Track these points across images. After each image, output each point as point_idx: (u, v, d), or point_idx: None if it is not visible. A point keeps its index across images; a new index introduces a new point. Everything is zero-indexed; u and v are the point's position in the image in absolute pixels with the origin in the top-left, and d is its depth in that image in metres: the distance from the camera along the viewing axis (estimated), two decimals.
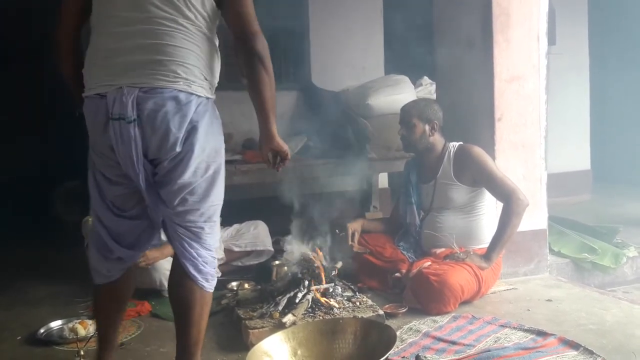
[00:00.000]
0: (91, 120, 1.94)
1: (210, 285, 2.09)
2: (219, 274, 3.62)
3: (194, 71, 1.92)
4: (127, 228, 2.06)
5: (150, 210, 2.04)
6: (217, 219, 2.09)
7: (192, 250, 2.03)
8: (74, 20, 2.01)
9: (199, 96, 1.94)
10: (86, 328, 2.76)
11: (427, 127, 3.32)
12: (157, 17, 1.87)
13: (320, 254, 3.20)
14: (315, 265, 3.05)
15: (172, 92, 1.87)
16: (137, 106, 1.85)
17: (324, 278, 2.99)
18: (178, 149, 1.90)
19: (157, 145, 1.90)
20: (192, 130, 1.92)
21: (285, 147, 2.14)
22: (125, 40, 1.88)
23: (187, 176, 1.94)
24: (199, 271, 2.03)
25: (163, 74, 1.87)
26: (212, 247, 2.09)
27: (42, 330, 2.85)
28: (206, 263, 2.06)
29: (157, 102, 1.86)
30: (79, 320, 2.84)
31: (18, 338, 2.82)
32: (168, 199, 1.97)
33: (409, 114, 3.37)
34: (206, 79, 1.98)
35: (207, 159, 1.98)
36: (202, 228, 2.03)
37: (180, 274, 2.04)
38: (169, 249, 3.44)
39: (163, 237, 3.57)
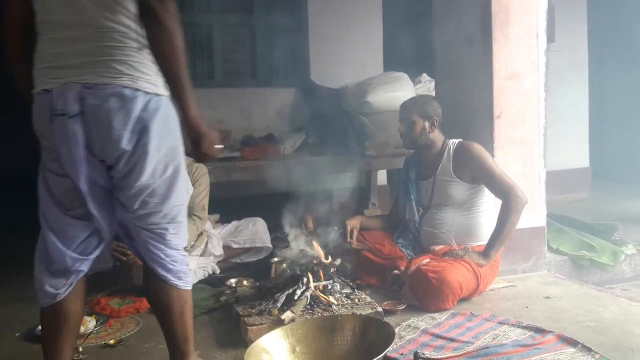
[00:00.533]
0: (37, 117, 1.90)
1: (184, 283, 2.04)
2: (218, 271, 3.67)
3: (138, 67, 1.85)
4: (74, 228, 1.96)
5: (96, 220, 1.94)
6: (182, 219, 2.03)
7: (158, 252, 1.98)
8: (22, 27, 1.94)
9: (147, 92, 1.86)
10: (85, 325, 2.75)
11: (426, 124, 3.32)
12: (94, 20, 1.81)
13: (319, 251, 3.20)
14: (314, 262, 3.05)
15: (116, 88, 1.81)
16: (82, 102, 1.81)
17: (322, 276, 2.99)
18: (126, 148, 1.83)
19: (101, 143, 1.84)
20: (143, 130, 1.85)
21: (204, 130, 1.89)
22: (66, 45, 1.84)
23: (144, 178, 1.88)
24: (169, 271, 1.99)
25: (106, 71, 1.82)
26: (179, 246, 2.04)
27: (40, 327, 2.84)
28: (175, 262, 2.01)
29: (101, 98, 1.81)
30: None
31: (16, 335, 2.82)
32: (128, 203, 1.93)
33: (408, 110, 3.36)
34: (156, 75, 1.88)
35: (165, 158, 1.91)
36: (166, 229, 1.98)
37: (152, 278, 2.01)
38: None
39: None
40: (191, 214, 3.57)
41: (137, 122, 1.84)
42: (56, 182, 1.93)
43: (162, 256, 1.98)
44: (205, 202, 3.67)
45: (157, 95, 1.88)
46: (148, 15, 1.80)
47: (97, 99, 1.81)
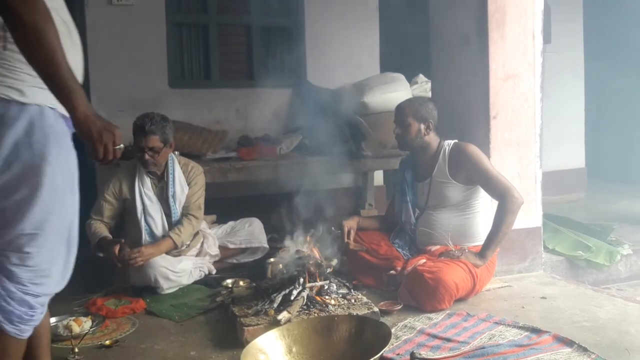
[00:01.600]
0: None
1: (14, 329, 1.70)
2: (214, 271, 3.67)
3: None
4: None
5: None
6: (32, 250, 1.68)
7: None
8: None
9: (6, 99, 1.61)
10: (80, 325, 2.75)
11: (422, 126, 3.32)
12: None
13: (316, 251, 3.20)
14: (311, 262, 3.05)
15: None
16: None
17: (317, 277, 2.99)
18: None
19: None
20: None
21: (96, 131, 1.61)
22: None
23: None
24: (1, 309, 1.67)
25: None
26: (26, 282, 1.69)
27: None
28: (12, 299, 1.68)
29: None
30: (73, 318, 2.83)
31: None
32: None
33: (403, 113, 3.36)
34: (24, 80, 1.64)
35: (18, 177, 1.63)
36: (7, 257, 1.67)
37: None
38: (165, 245, 3.43)
39: (158, 232, 3.54)
40: (187, 213, 3.58)
41: None
42: None
43: None
44: (201, 201, 3.67)
45: (21, 103, 1.62)
46: (4, 10, 1.53)
47: None
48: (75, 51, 1.81)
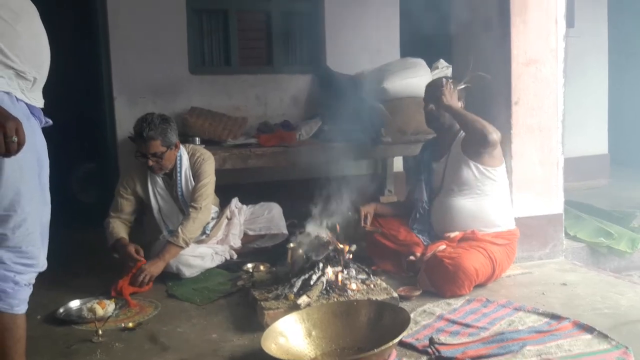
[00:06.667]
0: None
1: (2, 304, 1.75)
2: (235, 256, 3.70)
3: None
4: None
5: None
6: (8, 231, 1.74)
7: None
8: None
9: None
10: (104, 308, 2.80)
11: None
12: None
13: (336, 237, 3.20)
14: (330, 248, 3.07)
15: None
16: None
17: (337, 262, 3.00)
18: None
19: None
20: None
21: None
22: None
23: None
24: None
25: None
26: (7, 261, 1.75)
27: (61, 310, 2.90)
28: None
29: None
30: (97, 301, 2.88)
31: (38, 317, 2.87)
32: None
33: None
34: None
35: None
36: None
37: None
38: (168, 253, 3.33)
39: (166, 232, 3.50)
40: (190, 205, 3.49)
41: None
42: None
43: None
44: (206, 190, 3.52)
45: None
46: None
47: None
48: (30, 37, 1.78)
